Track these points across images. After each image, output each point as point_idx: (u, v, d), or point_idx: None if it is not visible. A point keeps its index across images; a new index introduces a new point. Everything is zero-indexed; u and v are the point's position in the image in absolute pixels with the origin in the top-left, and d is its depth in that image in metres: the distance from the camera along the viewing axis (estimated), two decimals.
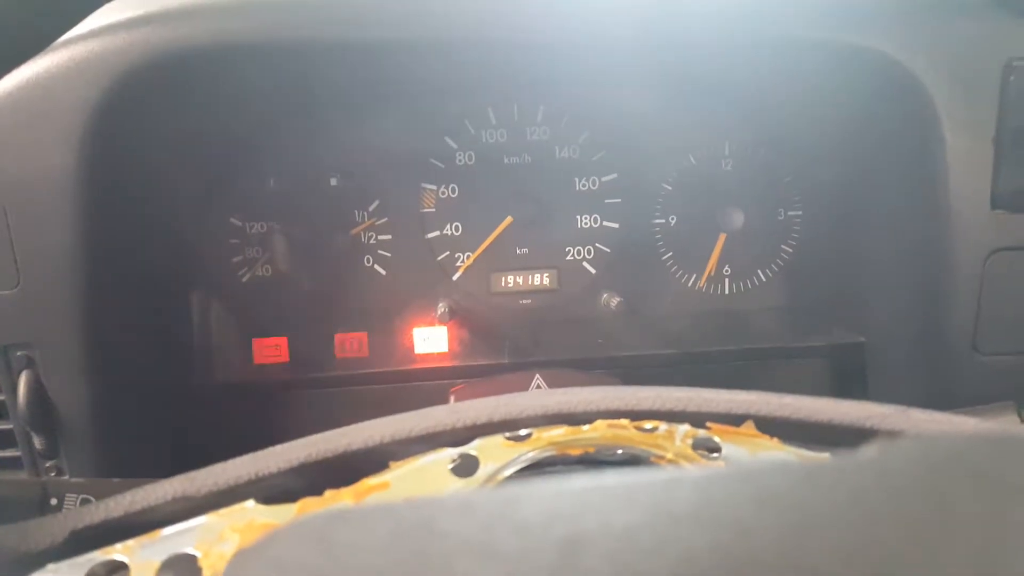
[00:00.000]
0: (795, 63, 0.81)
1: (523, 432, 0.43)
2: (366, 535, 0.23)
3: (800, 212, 0.93)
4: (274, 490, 0.40)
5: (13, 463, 0.73)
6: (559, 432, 0.43)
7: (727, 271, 0.94)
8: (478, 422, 0.43)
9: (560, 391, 0.47)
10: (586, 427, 0.44)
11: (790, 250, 0.94)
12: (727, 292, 0.95)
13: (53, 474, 0.74)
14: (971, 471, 0.23)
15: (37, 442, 0.72)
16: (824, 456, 0.40)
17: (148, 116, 0.72)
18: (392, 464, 0.41)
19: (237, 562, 0.26)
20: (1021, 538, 0.20)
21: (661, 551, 0.21)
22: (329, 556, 0.23)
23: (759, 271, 0.95)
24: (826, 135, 0.89)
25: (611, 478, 0.25)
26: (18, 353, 0.70)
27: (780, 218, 0.93)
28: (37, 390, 0.70)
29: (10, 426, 0.72)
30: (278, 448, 0.41)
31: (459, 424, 0.43)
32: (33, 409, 0.70)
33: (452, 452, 0.42)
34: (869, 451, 0.25)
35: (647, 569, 0.20)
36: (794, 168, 0.92)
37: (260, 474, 0.39)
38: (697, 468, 0.29)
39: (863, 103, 0.83)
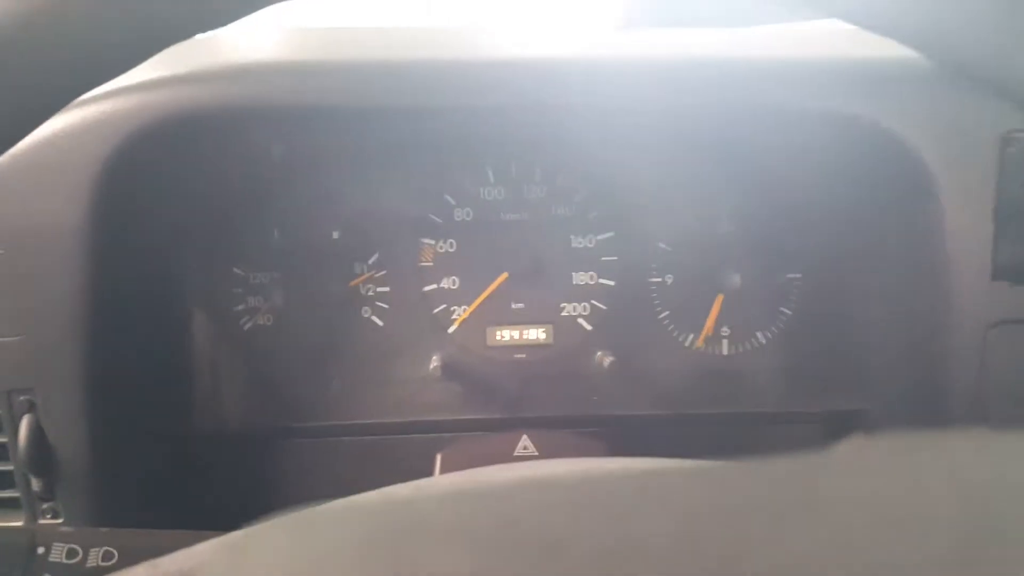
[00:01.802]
0: (793, 130, 0.81)
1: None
2: (340, 532, 0.23)
3: (799, 275, 0.93)
4: None
5: (11, 503, 0.76)
6: None
7: (725, 332, 0.94)
8: None
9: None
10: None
11: (790, 312, 0.93)
12: (725, 353, 0.94)
13: (49, 516, 0.76)
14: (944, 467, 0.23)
15: (35, 484, 0.74)
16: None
17: (157, 173, 0.75)
18: None
19: (209, 565, 0.26)
20: (997, 534, 0.20)
21: (651, 540, 0.20)
22: (303, 553, 0.22)
23: (758, 333, 0.94)
24: (825, 201, 0.89)
25: (596, 471, 0.25)
26: (20, 398, 0.73)
27: (779, 280, 0.93)
28: (37, 434, 0.73)
29: (10, 468, 0.74)
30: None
31: None
32: (32, 452, 0.72)
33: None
34: (838, 450, 0.25)
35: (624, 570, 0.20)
36: (794, 232, 0.91)
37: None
38: (688, 462, 0.28)
39: (861, 172, 0.83)
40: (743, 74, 0.74)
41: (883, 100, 0.73)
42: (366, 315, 0.91)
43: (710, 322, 0.92)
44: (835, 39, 0.84)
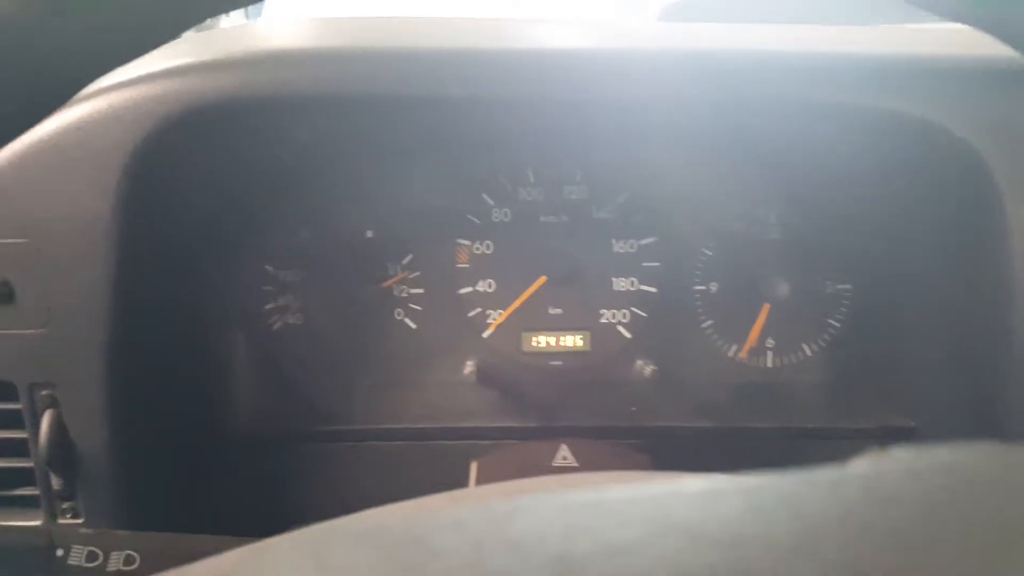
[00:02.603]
0: (848, 132, 0.78)
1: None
2: (358, 553, 0.23)
3: (849, 285, 0.89)
4: None
5: (31, 502, 0.73)
6: None
7: (770, 343, 0.90)
8: None
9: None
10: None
11: (838, 324, 0.90)
12: (769, 365, 0.90)
13: (69, 516, 0.73)
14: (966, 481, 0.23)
15: (55, 483, 0.72)
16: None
17: (184, 164, 0.73)
18: None
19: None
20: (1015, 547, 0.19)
21: (657, 569, 0.20)
22: (321, 574, 0.22)
23: (804, 345, 0.90)
24: (879, 208, 0.85)
25: (607, 493, 0.24)
26: (43, 392, 0.70)
27: (828, 291, 0.89)
28: (59, 430, 0.70)
29: (31, 464, 0.72)
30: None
31: None
32: (53, 449, 0.70)
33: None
34: (861, 465, 0.25)
35: None
36: (844, 240, 0.88)
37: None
38: (695, 479, 0.27)
39: (916, 174, 0.80)
40: (797, 70, 0.71)
41: (945, 101, 0.69)
42: (399, 317, 0.88)
43: (755, 333, 0.89)
44: (892, 35, 0.81)
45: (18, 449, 0.71)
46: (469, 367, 0.85)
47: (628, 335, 0.89)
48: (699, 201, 0.88)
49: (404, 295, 0.88)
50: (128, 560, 0.60)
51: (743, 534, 0.21)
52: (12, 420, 0.71)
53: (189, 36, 0.81)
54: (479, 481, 0.74)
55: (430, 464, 0.84)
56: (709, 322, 0.89)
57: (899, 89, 0.70)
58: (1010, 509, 0.21)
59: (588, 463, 0.76)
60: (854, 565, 0.19)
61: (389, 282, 0.88)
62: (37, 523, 0.71)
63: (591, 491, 0.24)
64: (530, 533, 0.22)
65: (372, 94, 0.69)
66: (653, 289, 0.89)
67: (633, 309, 0.89)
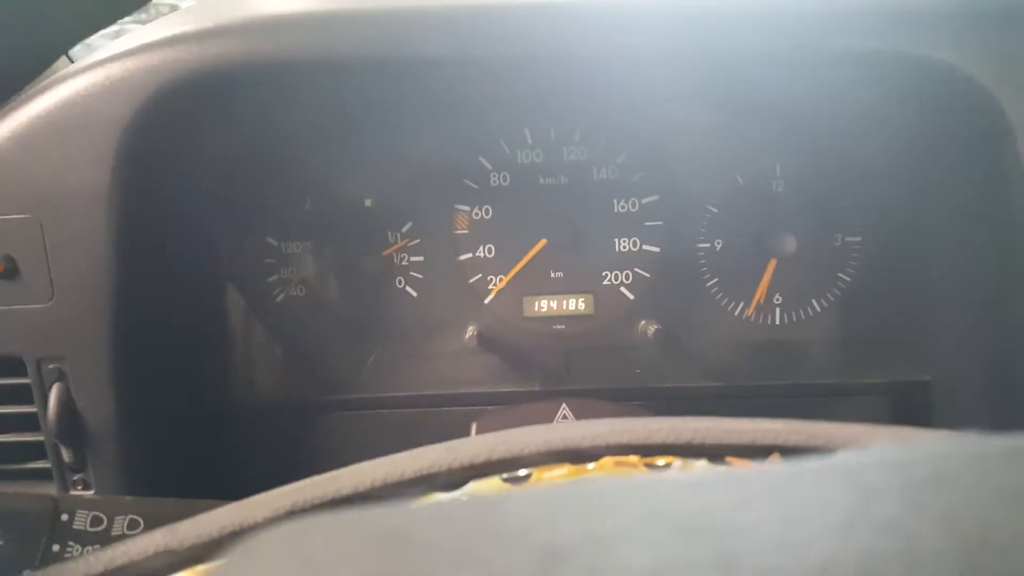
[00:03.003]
0: (852, 76, 0.75)
1: (522, 473, 0.40)
2: (341, 544, 0.23)
3: (859, 238, 0.87)
4: None
5: (43, 475, 0.74)
6: (561, 473, 0.40)
7: (778, 299, 0.88)
8: (475, 462, 0.40)
9: (563, 425, 0.43)
10: (591, 465, 0.40)
11: (848, 278, 0.87)
12: (777, 322, 0.88)
13: (80, 487, 0.74)
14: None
15: (65, 455, 0.73)
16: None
17: (183, 134, 0.73)
18: None
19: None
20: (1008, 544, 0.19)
21: (643, 558, 0.20)
22: (304, 566, 0.22)
23: (813, 300, 0.88)
24: (887, 155, 0.83)
25: (591, 484, 0.24)
26: (50, 366, 0.71)
27: (837, 244, 0.87)
28: (67, 403, 0.71)
29: (41, 438, 0.73)
30: (263, 496, 0.39)
31: (454, 464, 0.40)
32: (62, 422, 0.71)
33: (444, 498, 0.38)
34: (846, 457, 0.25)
35: None
36: (852, 190, 0.85)
37: (244, 525, 0.37)
38: (678, 472, 0.27)
39: (928, 120, 0.77)
40: (798, 15, 0.68)
41: (953, 40, 0.67)
42: (400, 286, 0.88)
43: (762, 289, 0.87)
44: None
45: (29, 423, 0.73)
46: (470, 333, 0.85)
47: (631, 296, 0.88)
48: (702, 156, 0.86)
49: (405, 263, 0.88)
50: (132, 524, 0.61)
51: (728, 526, 0.21)
52: (21, 395, 0.72)
53: (185, 4, 0.81)
54: None
55: (434, 430, 0.84)
56: (714, 280, 0.88)
57: (906, 30, 0.67)
58: (991, 501, 0.21)
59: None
60: (839, 556, 0.19)
61: (389, 250, 0.87)
62: (49, 493, 0.73)
63: (576, 481, 0.24)
64: (515, 523, 0.22)
65: (366, 56, 0.68)
66: (656, 249, 0.87)
67: (636, 270, 0.88)
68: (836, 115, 0.82)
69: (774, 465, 0.23)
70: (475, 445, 0.41)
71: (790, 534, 0.20)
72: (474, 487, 0.39)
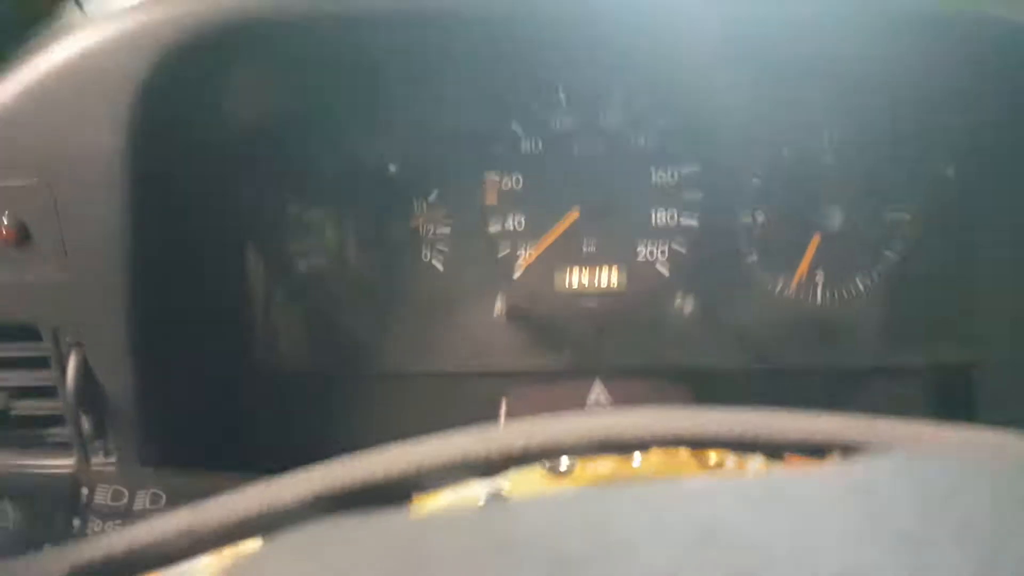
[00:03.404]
0: (905, 41, 0.70)
1: (564, 467, 0.37)
2: (357, 551, 0.23)
3: (907, 215, 0.82)
4: (287, 522, 0.36)
5: (64, 445, 0.73)
6: (606, 466, 0.37)
7: (820, 277, 0.84)
8: (514, 450, 0.38)
9: (608, 413, 0.41)
10: (637, 458, 0.38)
11: (895, 256, 0.83)
12: (819, 301, 0.84)
13: (101, 455, 0.73)
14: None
15: (85, 424, 0.71)
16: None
17: (200, 93, 0.69)
18: (416, 498, 0.36)
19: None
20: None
21: (655, 568, 0.20)
22: (321, 573, 0.23)
23: (857, 278, 0.84)
24: (943, 126, 0.78)
25: (601, 492, 0.24)
26: (67, 336, 0.69)
27: (884, 219, 0.82)
28: (86, 373, 0.69)
29: (59, 407, 0.71)
30: (292, 478, 0.36)
31: (492, 451, 0.38)
32: (81, 392, 0.69)
33: (482, 488, 0.36)
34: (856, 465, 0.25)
35: None
36: (904, 164, 0.81)
37: (272, 506, 0.35)
38: (692, 480, 0.26)
39: (989, 89, 0.72)
40: None
41: None
42: (426, 259, 0.85)
43: (804, 265, 0.83)
44: None
45: (48, 392, 0.71)
46: (499, 308, 0.82)
47: (666, 272, 0.84)
48: (747, 124, 0.81)
49: (431, 235, 0.84)
50: (154, 499, 0.59)
51: (740, 537, 0.21)
52: (39, 363, 0.70)
53: None
54: (508, 418, 0.72)
55: (462, 405, 0.82)
56: (754, 256, 0.84)
57: None
58: (1005, 513, 0.21)
59: (622, 401, 0.73)
60: (853, 567, 0.19)
61: (415, 222, 0.84)
62: (70, 462, 0.71)
63: (587, 490, 0.24)
64: (527, 532, 0.22)
65: (394, 10, 0.64)
66: (694, 222, 0.83)
67: (672, 245, 0.84)
68: (891, 85, 0.77)
69: (787, 474, 0.24)
70: (515, 432, 0.38)
71: (803, 545, 0.20)
72: (514, 479, 0.37)
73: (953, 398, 0.82)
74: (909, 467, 0.23)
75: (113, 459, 0.72)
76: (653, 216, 0.83)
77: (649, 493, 0.24)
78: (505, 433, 0.39)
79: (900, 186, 0.81)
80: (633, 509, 0.23)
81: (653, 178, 0.82)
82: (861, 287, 0.85)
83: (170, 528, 0.36)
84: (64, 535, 0.57)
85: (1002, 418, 0.75)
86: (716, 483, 0.24)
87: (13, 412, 0.70)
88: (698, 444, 0.38)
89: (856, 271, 0.84)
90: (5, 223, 0.65)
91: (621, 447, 0.38)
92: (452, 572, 0.21)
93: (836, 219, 0.80)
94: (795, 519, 0.21)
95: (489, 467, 0.38)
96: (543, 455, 0.38)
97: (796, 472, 0.23)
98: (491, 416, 0.73)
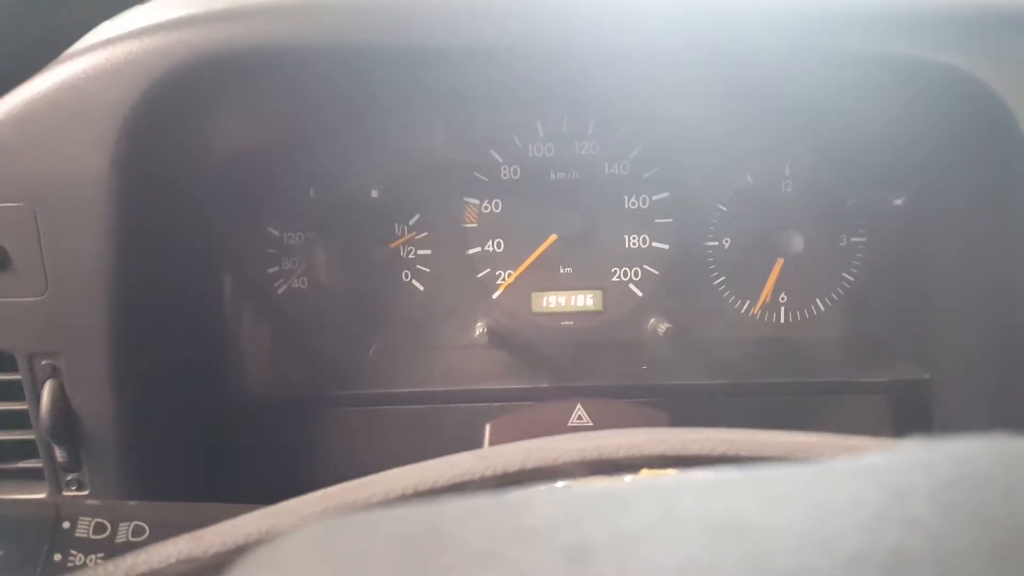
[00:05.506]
0: (861, 79, 0.75)
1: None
2: (370, 543, 0.23)
3: (864, 238, 0.87)
4: None
5: (35, 474, 0.70)
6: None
7: (783, 298, 0.89)
8: (508, 471, 0.39)
9: (598, 434, 0.42)
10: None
11: (851, 278, 0.88)
12: (783, 320, 0.89)
13: (74, 488, 0.71)
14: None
15: (59, 454, 0.69)
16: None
17: (186, 121, 0.69)
18: None
19: (240, 574, 0.25)
20: None
21: (672, 557, 0.20)
22: (333, 565, 0.22)
23: (818, 299, 0.89)
24: (894, 157, 0.83)
25: (619, 483, 0.25)
26: (43, 362, 0.67)
27: (842, 244, 0.88)
28: (61, 400, 0.68)
29: (33, 436, 0.69)
30: (292, 502, 0.37)
31: (487, 473, 0.39)
32: (56, 420, 0.67)
33: None
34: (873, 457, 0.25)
35: None
36: (859, 191, 0.86)
37: (271, 532, 0.36)
38: (707, 472, 0.27)
39: (936, 123, 0.77)
40: (810, 16, 0.68)
41: (964, 44, 0.67)
42: (406, 279, 0.86)
43: (768, 288, 0.87)
44: None
45: (20, 421, 0.69)
46: (480, 329, 0.84)
47: (640, 293, 0.87)
48: (713, 154, 0.85)
49: (411, 256, 0.86)
50: (137, 531, 0.58)
51: (756, 525, 0.21)
52: (12, 391, 0.68)
53: None
54: (492, 443, 0.73)
55: (443, 427, 0.82)
56: (722, 278, 0.88)
57: (917, 34, 0.67)
58: (1021, 501, 0.21)
59: (603, 423, 0.75)
60: (868, 552, 0.19)
61: (396, 243, 0.85)
62: (42, 495, 0.69)
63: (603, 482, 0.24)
64: (543, 522, 0.22)
65: (379, 45, 0.65)
66: (665, 246, 0.87)
67: (645, 267, 0.87)
68: (845, 117, 0.83)
69: (800, 465, 0.24)
70: (508, 454, 0.40)
71: (818, 531, 0.20)
72: None
73: (913, 413, 0.86)
74: (924, 455, 0.24)
75: (87, 491, 0.71)
76: (627, 240, 0.87)
77: (664, 484, 0.24)
78: (499, 454, 0.40)
79: (854, 213, 0.87)
80: (649, 498, 0.23)
81: (626, 204, 0.86)
82: (822, 307, 0.89)
83: (168, 556, 0.36)
84: (44, 570, 0.55)
85: (958, 431, 0.81)
86: (730, 474, 0.24)
87: None
88: (686, 463, 0.40)
89: (816, 293, 0.89)
90: None
91: (612, 467, 0.40)
92: (468, 558, 0.21)
93: (798, 244, 0.85)
94: (809, 507, 0.21)
95: (483, 489, 0.39)
96: (537, 476, 0.39)
97: (809, 463, 0.24)
98: (475, 441, 0.74)
